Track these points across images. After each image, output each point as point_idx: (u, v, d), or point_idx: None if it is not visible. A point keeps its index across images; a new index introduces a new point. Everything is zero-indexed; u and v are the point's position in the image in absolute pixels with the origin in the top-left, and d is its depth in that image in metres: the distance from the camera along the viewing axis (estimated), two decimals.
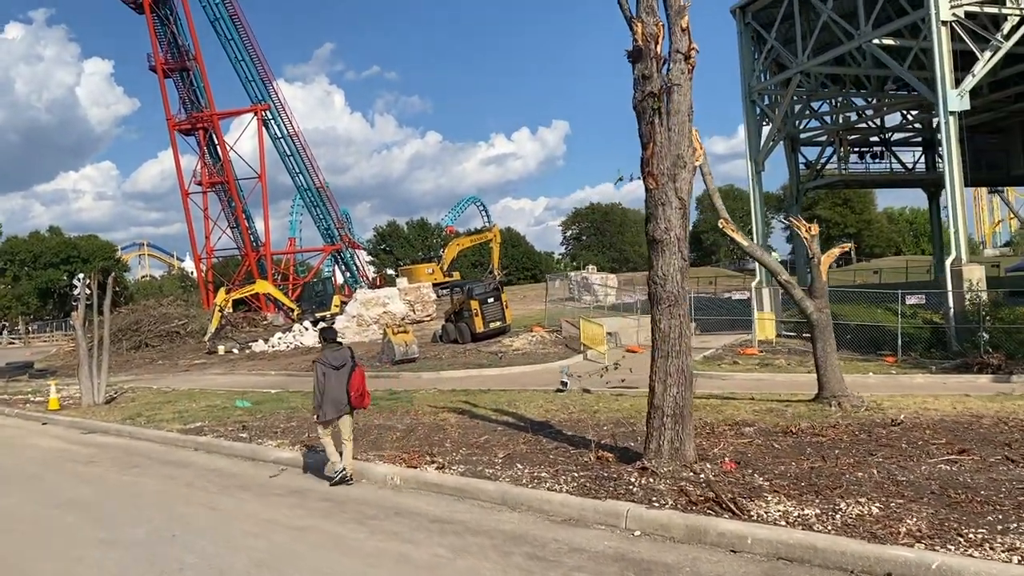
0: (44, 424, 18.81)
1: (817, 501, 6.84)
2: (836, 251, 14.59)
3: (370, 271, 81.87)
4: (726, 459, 8.59)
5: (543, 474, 8.52)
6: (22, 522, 8.67)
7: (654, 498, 7.19)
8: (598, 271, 54.75)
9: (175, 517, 8.41)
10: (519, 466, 9.10)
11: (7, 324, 78.55)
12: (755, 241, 31.95)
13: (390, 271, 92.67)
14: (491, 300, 29.81)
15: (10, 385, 31.97)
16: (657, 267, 8.21)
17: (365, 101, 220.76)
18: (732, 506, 6.62)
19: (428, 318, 40.93)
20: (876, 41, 26.41)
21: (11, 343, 69.72)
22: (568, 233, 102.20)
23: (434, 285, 46.45)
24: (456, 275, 62.54)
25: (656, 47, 8.10)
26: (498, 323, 29.86)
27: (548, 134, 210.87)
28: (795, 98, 32.51)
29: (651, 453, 8.19)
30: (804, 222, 13.62)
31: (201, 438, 13.42)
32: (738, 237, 12.65)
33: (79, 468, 12.05)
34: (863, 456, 8.61)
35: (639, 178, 8.23)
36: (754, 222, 32.09)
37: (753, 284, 31.24)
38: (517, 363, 24.35)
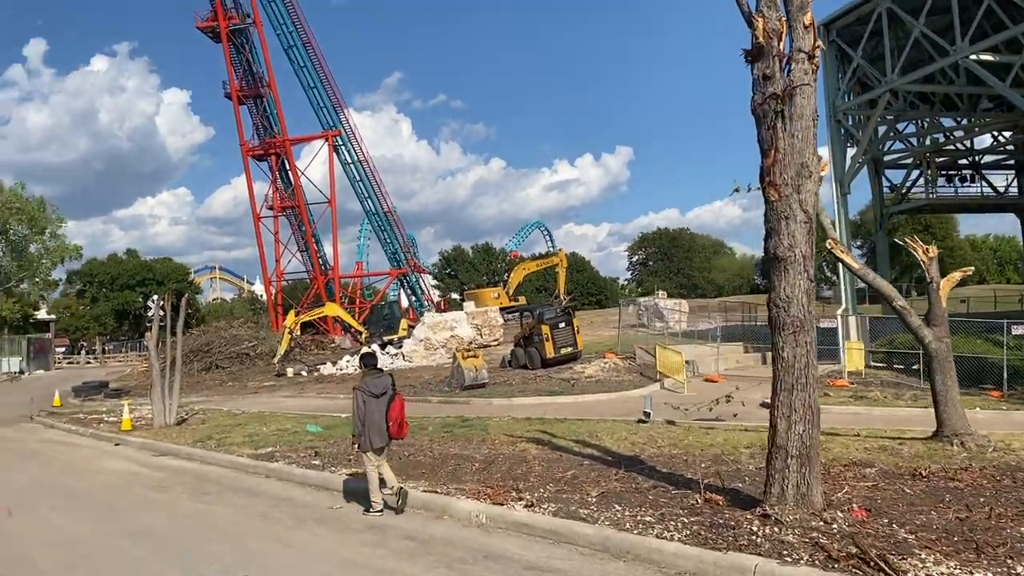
0: (116, 445, 18.68)
1: (984, 562, 5.86)
2: (957, 275, 13.41)
3: (435, 295, 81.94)
4: (854, 506, 7.63)
5: (647, 518, 7.68)
6: (92, 555, 8.20)
7: (784, 551, 6.29)
8: (667, 297, 53.43)
9: (249, 554, 7.82)
10: (617, 507, 8.27)
11: (85, 344, 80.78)
12: (843, 269, 30.53)
13: (455, 295, 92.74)
14: (562, 325, 28.98)
15: (86, 404, 32.38)
16: (780, 288, 7.36)
17: (431, 129, 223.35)
18: (883, 565, 5.69)
19: (495, 342, 40.30)
20: (973, 57, 25.00)
21: (88, 363, 71.53)
22: (635, 258, 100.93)
23: (501, 309, 45.86)
24: (522, 299, 61.89)
25: (778, 44, 7.32)
26: (569, 349, 29.00)
27: (611, 160, 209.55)
28: (880, 119, 31.11)
29: (772, 498, 7.28)
30: (921, 243, 12.55)
31: (272, 464, 12.93)
32: (848, 259, 11.68)
33: (150, 494, 11.64)
34: (1020, 506, 7.54)
35: (757, 188, 7.42)
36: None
37: (839, 312, 29.75)
38: (591, 391, 23.44)
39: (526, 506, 8.61)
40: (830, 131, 30.66)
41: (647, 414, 16.19)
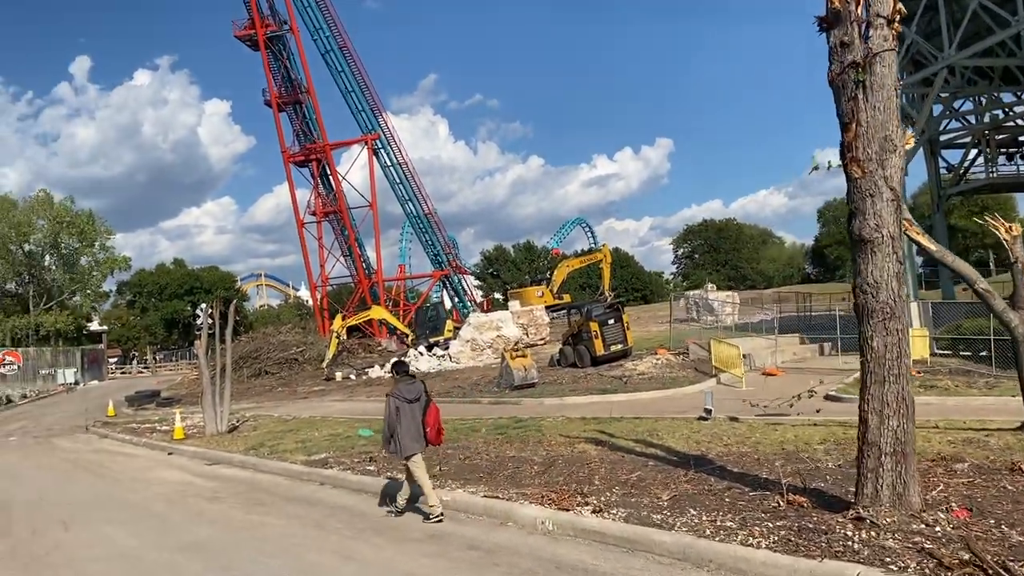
0: (169, 454, 18.65)
1: None
2: None
3: (477, 295, 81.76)
4: (953, 506, 7.02)
5: (727, 523, 7.16)
6: (145, 570, 7.94)
7: (887, 558, 5.74)
8: (716, 289, 52.46)
9: (306, 567, 7.49)
10: (692, 511, 7.77)
11: (136, 354, 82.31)
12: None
13: (497, 295, 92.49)
14: (611, 321, 28.37)
15: (139, 413, 32.72)
16: (866, 272, 6.79)
17: (468, 129, 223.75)
18: (1005, 574, 5.11)
19: (542, 341, 39.85)
20: None
21: (140, 372, 72.81)
22: (680, 252, 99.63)
23: (546, 308, 45.40)
24: (567, 297, 61.40)
25: (856, 9, 6.75)
26: (619, 346, 28.39)
27: (651, 153, 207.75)
28: (936, 97, 29.94)
29: (865, 499, 6.72)
30: (1003, 222, 11.80)
31: (327, 471, 12.64)
32: (925, 241, 10.99)
33: (203, 505, 11.42)
34: None
35: (838, 166, 6.86)
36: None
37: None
38: (644, 388, 22.84)
39: (594, 511, 8.14)
40: None
41: (708, 411, 15.59)
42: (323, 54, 67.09)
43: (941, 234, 38.18)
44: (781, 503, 7.56)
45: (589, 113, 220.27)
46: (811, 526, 6.68)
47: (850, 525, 6.49)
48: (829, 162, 7.18)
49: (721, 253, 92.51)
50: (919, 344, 24.32)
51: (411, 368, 11.01)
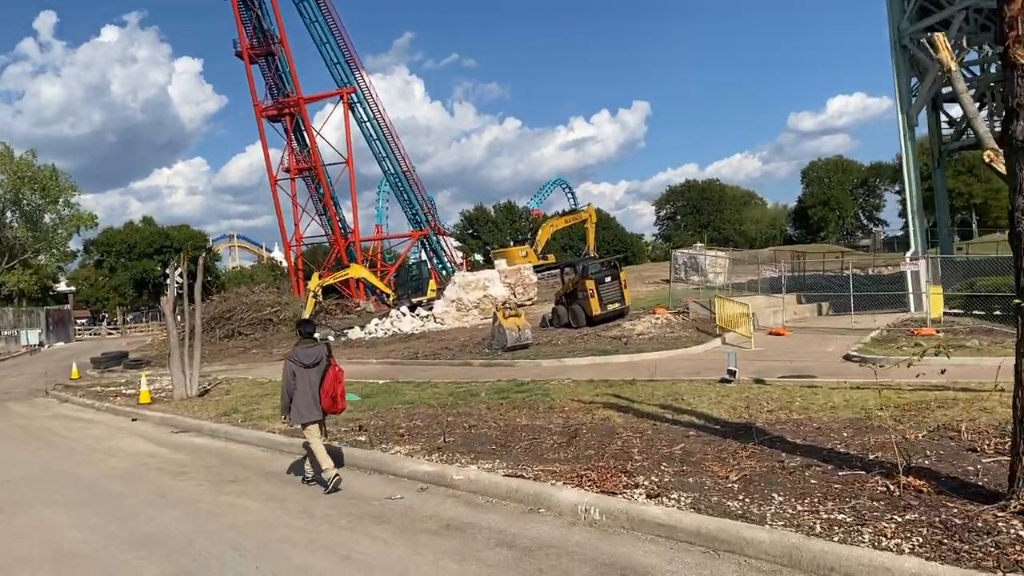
0: (134, 420, 16.94)
1: None
2: None
3: (457, 256, 79.78)
4: None
5: (836, 515, 5.62)
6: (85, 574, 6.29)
7: None
8: (708, 248, 51.11)
9: (294, 572, 5.87)
10: (776, 497, 6.24)
11: (106, 315, 79.72)
12: (911, 207, 28.13)
13: (478, 256, 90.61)
14: (609, 279, 26.79)
15: (104, 376, 30.84)
16: None
17: (444, 89, 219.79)
18: None
19: (529, 302, 38.28)
20: None
21: (109, 333, 70.44)
22: (662, 213, 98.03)
23: (533, 268, 43.75)
24: (551, 258, 59.77)
25: None
26: (616, 305, 26.86)
27: (628, 115, 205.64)
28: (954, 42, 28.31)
29: None
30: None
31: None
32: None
33: (167, 482, 9.75)
34: None
35: (1001, 45, 5.21)
36: (907, 186, 28.18)
37: (907, 255, 27.39)
38: (647, 349, 21.35)
39: (650, 496, 6.58)
40: (894, 58, 28.03)
41: (732, 372, 14.09)
42: (297, 3, 64.19)
43: (942, 189, 36.99)
44: (892, 487, 6.05)
45: (567, 75, 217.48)
46: (958, 522, 5.15)
47: (1017, 522, 4.97)
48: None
49: (703, 214, 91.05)
50: (936, 302, 23.02)
51: (317, 330, 10.55)
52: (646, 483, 6.97)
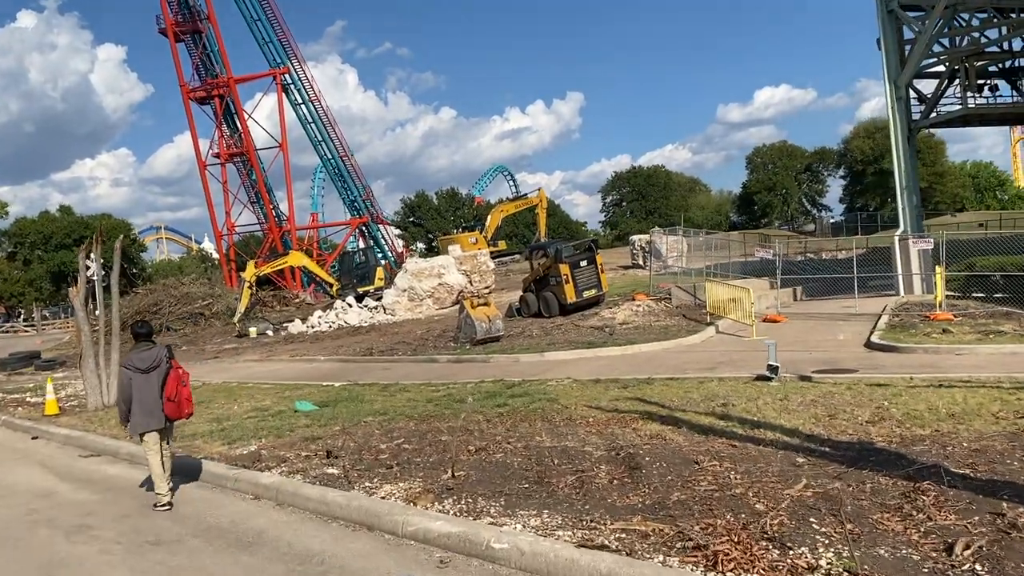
0: (34, 439, 13.80)
1: None
2: None
3: (398, 244, 76.38)
4: None
5: None
6: None
7: None
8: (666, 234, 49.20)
9: None
10: None
11: (21, 311, 74.03)
12: (901, 184, 26.38)
13: (420, 244, 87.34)
14: (584, 263, 24.31)
15: (11, 379, 27.14)
16: None
17: (378, 79, 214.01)
18: None
19: (487, 289, 35.60)
20: None
21: (24, 331, 65.20)
22: (608, 199, 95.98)
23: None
24: (501, 244, 57.19)
25: None
26: (593, 291, 24.42)
27: (563, 106, 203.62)
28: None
29: None
30: None
31: (265, 477, 8.15)
32: None
33: (60, 546, 6.84)
34: None
35: None
36: (896, 161, 26.48)
37: (897, 234, 25.64)
38: (638, 340, 18.92)
39: None
40: (882, 23, 26.24)
41: (774, 368, 11.72)
42: None
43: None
44: None
45: (502, 64, 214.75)
46: None
47: None
48: None
49: (649, 200, 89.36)
50: (941, 284, 21.19)
51: (152, 331, 8.93)
52: (824, 565, 4.43)
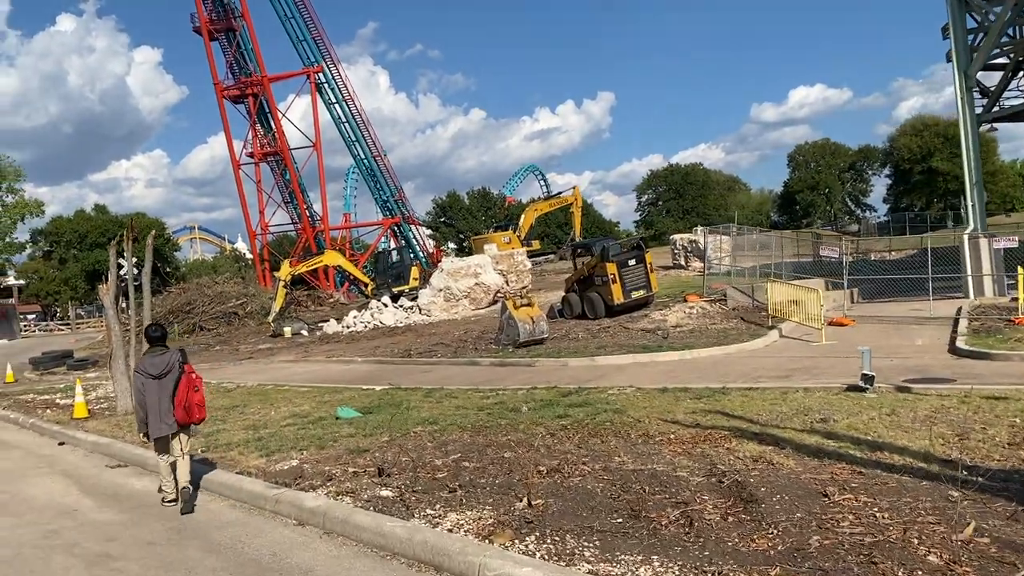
0: (61, 444, 13.00)
1: None
2: None
3: (429, 244, 75.53)
4: None
5: None
6: None
7: None
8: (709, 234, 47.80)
9: None
10: None
11: (57, 310, 74.36)
12: (971, 179, 24.91)
13: (451, 245, 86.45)
14: (633, 262, 23.12)
15: (43, 379, 26.63)
16: None
17: (409, 80, 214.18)
18: None
19: (524, 289, 34.54)
20: None
21: (60, 329, 65.39)
22: (643, 198, 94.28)
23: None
24: (535, 244, 56.06)
25: None
26: (641, 292, 23.23)
27: (593, 106, 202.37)
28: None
29: None
30: None
31: (309, 499, 7.14)
32: None
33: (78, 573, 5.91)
34: None
35: None
36: (965, 155, 25.01)
37: (966, 233, 24.18)
38: (697, 345, 17.71)
39: None
40: (951, 9, 24.79)
41: (870, 377, 10.51)
42: None
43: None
44: None
45: (531, 64, 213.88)
46: None
47: None
48: None
49: (686, 199, 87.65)
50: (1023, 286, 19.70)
51: (166, 335, 8.72)
52: None
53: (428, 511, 6.34)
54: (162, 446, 8.00)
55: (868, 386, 10.42)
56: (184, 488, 7.80)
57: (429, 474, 7.62)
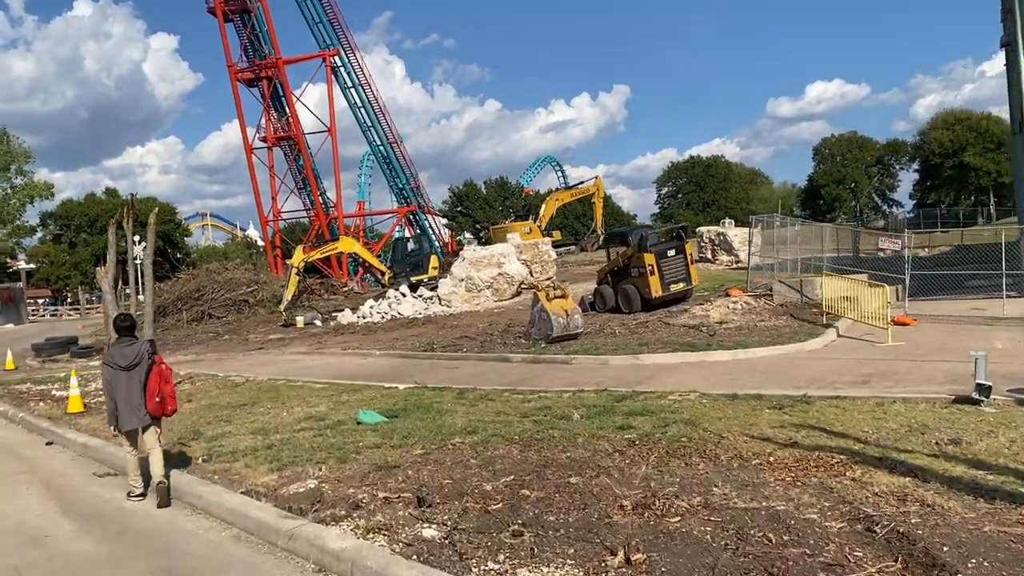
0: (48, 444, 11.60)
1: None
2: None
3: (444, 234, 74.00)
4: None
5: None
6: None
7: None
8: (735, 226, 46.31)
9: None
10: None
11: (68, 294, 73.30)
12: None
13: (467, 234, 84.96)
14: (672, 253, 21.50)
15: (45, 367, 25.33)
16: None
17: (424, 70, 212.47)
18: None
19: (548, 280, 32.99)
20: None
21: (69, 314, 64.31)
22: (663, 191, 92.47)
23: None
24: (556, 234, 54.47)
25: None
26: (681, 284, 21.63)
27: (608, 99, 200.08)
28: None
29: None
30: None
31: (332, 538, 5.63)
32: None
33: None
34: None
35: None
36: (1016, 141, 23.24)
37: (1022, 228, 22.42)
38: (750, 344, 16.02)
39: None
40: None
41: (985, 388, 8.94)
42: None
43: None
44: None
45: (548, 56, 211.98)
46: None
47: None
48: None
49: (708, 192, 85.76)
50: None
51: (135, 325, 8.36)
52: None
53: (490, 564, 4.85)
54: (132, 439, 7.81)
55: (983, 398, 8.87)
56: (160, 483, 7.55)
57: (480, 504, 6.14)
